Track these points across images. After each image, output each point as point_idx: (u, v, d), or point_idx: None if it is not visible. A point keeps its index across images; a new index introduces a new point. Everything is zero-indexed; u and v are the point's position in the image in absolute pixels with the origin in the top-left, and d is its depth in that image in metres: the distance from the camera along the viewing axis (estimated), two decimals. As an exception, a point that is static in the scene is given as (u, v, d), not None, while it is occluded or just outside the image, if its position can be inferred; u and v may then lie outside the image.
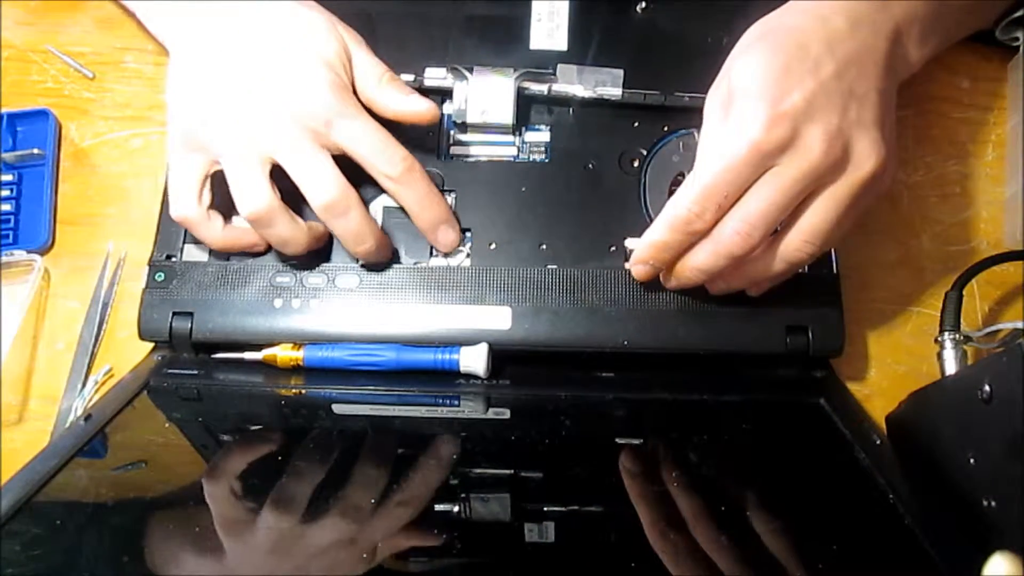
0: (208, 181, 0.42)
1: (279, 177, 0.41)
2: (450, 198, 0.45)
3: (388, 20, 0.47)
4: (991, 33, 0.48)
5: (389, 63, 0.45)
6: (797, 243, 0.37)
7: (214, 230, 0.42)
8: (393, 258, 0.44)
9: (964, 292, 0.42)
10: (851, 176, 0.37)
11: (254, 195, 0.40)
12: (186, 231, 0.45)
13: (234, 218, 0.43)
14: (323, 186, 0.40)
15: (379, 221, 0.45)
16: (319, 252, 0.44)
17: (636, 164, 0.44)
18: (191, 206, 0.42)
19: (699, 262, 0.38)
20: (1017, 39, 0.48)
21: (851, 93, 0.37)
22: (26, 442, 0.44)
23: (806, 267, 0.43)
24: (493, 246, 0.44)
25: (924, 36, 0.40)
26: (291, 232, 0.41)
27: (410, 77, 0.45)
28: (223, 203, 0.42)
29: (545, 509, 0.35)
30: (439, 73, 0.45)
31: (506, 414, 0.42)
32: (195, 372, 0.43)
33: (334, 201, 0.40)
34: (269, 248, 0.44)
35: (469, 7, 0.48)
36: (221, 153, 0.41)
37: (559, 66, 0.46)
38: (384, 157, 0.40)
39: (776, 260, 0.38)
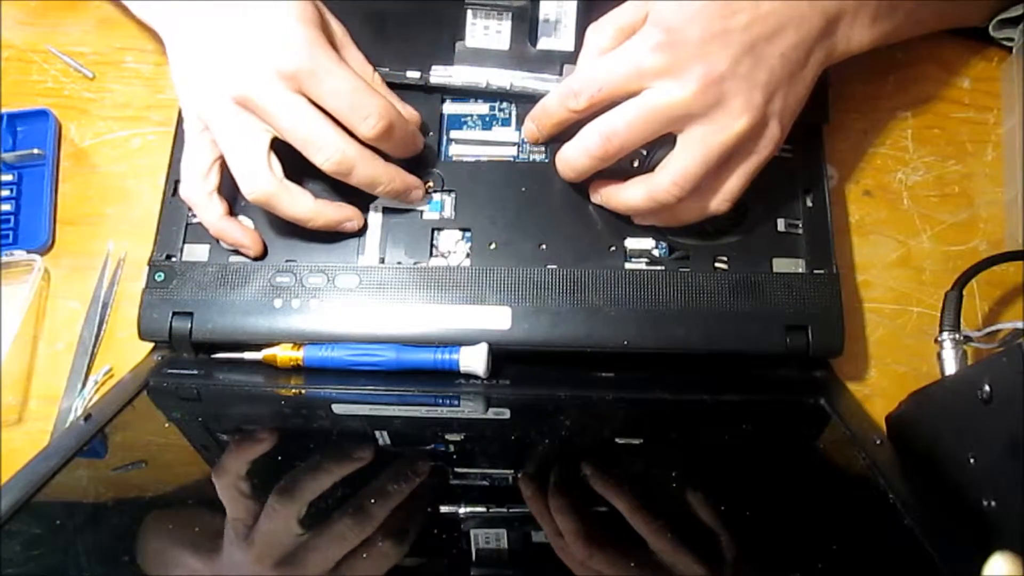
0: (217, 163, 0.43)
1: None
2: (450, 198, 0.45)
3: (395, 18, 0.47)
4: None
5: (396, 60, 0.45)
6: (664, 181, 0.39)
7: (214, 212, 0.43)
8: (392, 261, 0.44)
9: (964, 292, 0.42)
10: (716, 127, 0.37)
11: (254, 176, 0.41)
12: (186, 231, 0.45)
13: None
14: (323, 147, 0.40)
15: (379, 222, 0.45)
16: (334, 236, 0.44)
17: (636, 164, 0.44)
18: (196, 187, 0.43)
19: (568, 154, 0.41)
20: (1011, 39, 0.48)
21: (751, 48, 0.37)
22: (26, 442, 0.44)
23: (806, 268, 0.43)
24: (493, 246, 0.44)
25: (875, 19, 0.41)
26: (300, 207, 0.42)
27: (416, 74, 0.45)
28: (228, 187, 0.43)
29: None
30: (445, 72, 0.45)
31: (506, 414, 0.42)
32: (195, 372, 0.43)
33: (338, 161, 0.40)
34: (265, 252, 0.44)
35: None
36: (215, 133, 0.41)
37: (564, 66, 0.46)
38: (360, 116, 0.40)
39: (645, 196, 0.40)
